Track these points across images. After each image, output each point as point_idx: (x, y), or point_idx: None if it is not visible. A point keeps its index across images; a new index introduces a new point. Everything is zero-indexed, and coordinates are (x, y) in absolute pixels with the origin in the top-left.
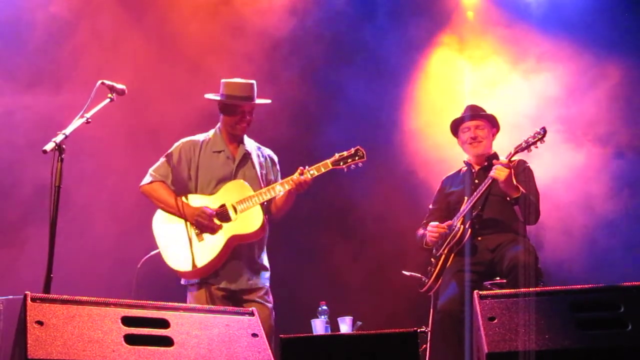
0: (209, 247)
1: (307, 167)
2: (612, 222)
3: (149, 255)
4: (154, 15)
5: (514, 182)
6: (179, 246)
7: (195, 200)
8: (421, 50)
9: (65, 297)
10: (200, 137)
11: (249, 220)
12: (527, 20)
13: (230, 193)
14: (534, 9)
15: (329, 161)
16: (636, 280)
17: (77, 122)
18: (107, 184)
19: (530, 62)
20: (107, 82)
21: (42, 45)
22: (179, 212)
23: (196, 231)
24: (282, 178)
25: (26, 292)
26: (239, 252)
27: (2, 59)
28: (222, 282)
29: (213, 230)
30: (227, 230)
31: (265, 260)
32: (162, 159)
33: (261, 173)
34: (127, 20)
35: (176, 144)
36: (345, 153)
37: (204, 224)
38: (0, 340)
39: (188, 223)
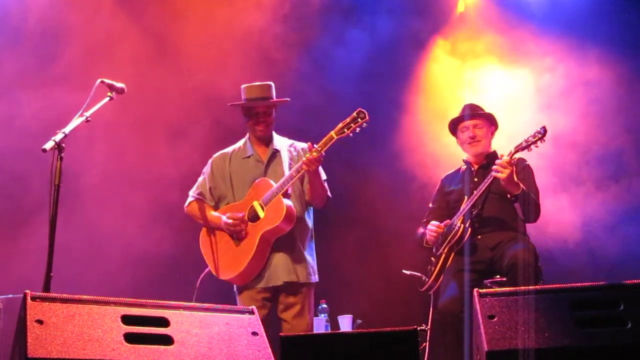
0: (245, 250)
1: (315, 145)
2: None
3: (205, 273)
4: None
5: (515, 179)
6: (222, 256)
7: (229, 209)
8: (420, 49)
9: (65, 295)
10: (229, 148)
11: (274, 213)
12: (527, 19)
13: (257, 192)
14: (535, 9)
15: (333, 132)
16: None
17: (76, 121)
18: (109, 182)
19: (529, 61)
20: (106, 80)
21: (44, 42)
22: (216, 225)
23: (233, 238)
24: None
25: (26, 290)
26: (278, 247)
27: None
28: (261, 282)
29: (243, 232)
30: (258, 228)
31: (310, 252)
32: (199, 178)
33: (291, 167)
34: (129, 16)
35: (209, 161)
36: (347, 119)
37: (233, 229)
38: (0, 339)
39: (225, 233)
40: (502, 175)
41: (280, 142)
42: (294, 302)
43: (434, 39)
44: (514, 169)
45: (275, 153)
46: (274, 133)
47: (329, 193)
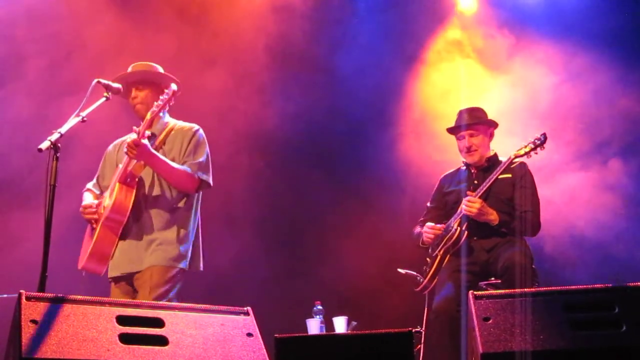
0: (93, 238)
1: (135, 127)
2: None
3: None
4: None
5: (488, 210)
6: (83, 245)
7: (98, 197)
8: (418, 48)
9: (60, 295)
10: (128, 135)
11: (109, 202)
12: (525, 19)
13: (113, 180)
14: (533, 9)
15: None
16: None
17: (72, 121)
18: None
19: (528, 61)
20: (103, 81)
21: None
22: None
23: (93, 228)
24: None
25: (21, 290)
26: (127, 235)
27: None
28: (110, 272)
29: (94, 221)
30: (102, 216)
31: (175, 239)
32: None
33: (160, 152)
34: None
35: None
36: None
37: (86, 218)
38: None
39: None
40: (472, 212)
41: (164, 126)
42: (137, 293)
43: (432, 39)
44: (515, 174)
45: (150, 138)
46: (165, 116)
47: (194, 175)
